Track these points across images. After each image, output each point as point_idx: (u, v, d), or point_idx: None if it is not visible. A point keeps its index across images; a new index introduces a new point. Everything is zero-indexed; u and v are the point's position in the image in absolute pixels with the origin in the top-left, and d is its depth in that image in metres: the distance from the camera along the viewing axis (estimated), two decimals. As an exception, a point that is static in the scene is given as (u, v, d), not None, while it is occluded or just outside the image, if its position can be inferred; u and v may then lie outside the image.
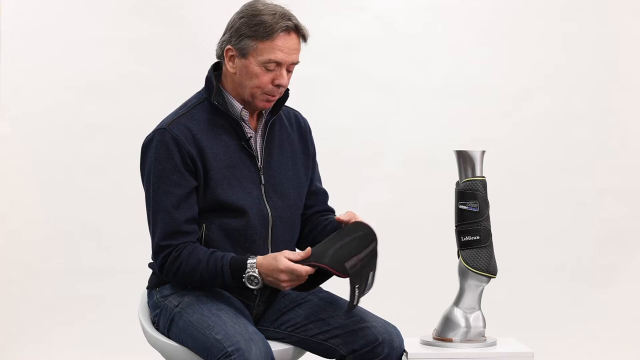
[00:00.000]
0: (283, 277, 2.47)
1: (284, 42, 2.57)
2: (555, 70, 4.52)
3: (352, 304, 2.51)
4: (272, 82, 2.58)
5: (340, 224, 2.66)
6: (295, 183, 2.74)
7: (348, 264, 2.47)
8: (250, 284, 2.51)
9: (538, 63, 4.51)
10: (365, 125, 4.48)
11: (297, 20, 2.60)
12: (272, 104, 2.65)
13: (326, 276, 2.58)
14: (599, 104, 4.53)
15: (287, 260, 2.47)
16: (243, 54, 2.58)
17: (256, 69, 2.57)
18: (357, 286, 2.49)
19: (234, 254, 2.56)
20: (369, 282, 2.56)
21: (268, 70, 2.57)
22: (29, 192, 4.38)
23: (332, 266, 2.46)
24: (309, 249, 2.51)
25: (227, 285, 2.56)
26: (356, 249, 2.53)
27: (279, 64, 2.57)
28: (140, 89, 4.39)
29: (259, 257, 2.52)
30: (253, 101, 2.62)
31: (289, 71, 2.62)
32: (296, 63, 2.62)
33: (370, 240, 2.58)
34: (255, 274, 2.50)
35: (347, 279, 2.49)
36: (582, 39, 4.51)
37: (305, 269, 2.46)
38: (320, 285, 2.68)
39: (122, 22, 4.39)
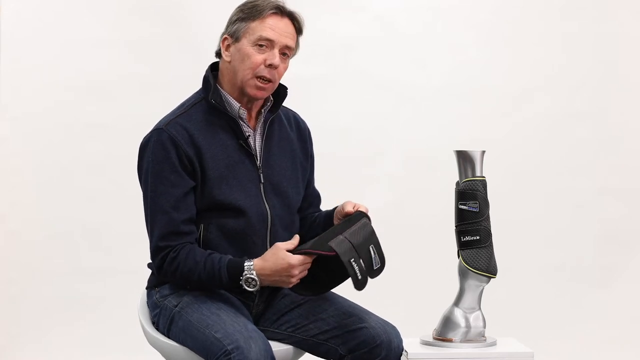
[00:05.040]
0: (295, 272, 2.47)
1: (275, 22, 2.60)
2: (555, 70, 4.52)
3: (357, 278, 2.47)
4: (264, 62, 2.59)
5: (327, 215, 2.70)
6: (294, 183, 2.74)
7: (333, 242, 2.47)
8: (248, 287, 2.52)
9: (538, 63, 4.51)
10: (365, 125, 4.48)
11: (292, 10, 2.64)
12: (265, 92, 2.64)
13: (327, 286, 2.58)
14: (599, 104, 4.53)
15: (292, 256, 2.47)
16: (236, 37, 2.61)
17: (248, 49, 2.59)
18: (351, 260, 2.47)
19: (231, 257, 2.55)
20: (374, 256, 2.53)
21: (260, 48, 2.59)
22: (29, 192, 4.38)
23: (316, 248, 2.46)
24: (296, 235, 2.53)
25: (225, 287, 2.56)
26: (340, 228, 2.53)
27: (270, 42, 2.59)
28: (140, 89, 4.39)
29: (256, 260, 2.52)
30: (246, 88, 2.61)
31: (284, 54, 2.62)
32: (290, 49, 2.63)
33: (357, 219, 2.57)
34: (252, 276, 2.50)
35: (342, 262, 2.47)
36: (582, 39, 4.51)
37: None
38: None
39: (122, 22, 4.39)
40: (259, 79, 2.60)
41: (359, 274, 2.48)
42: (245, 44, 2.60)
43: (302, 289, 2.55)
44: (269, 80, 2.62)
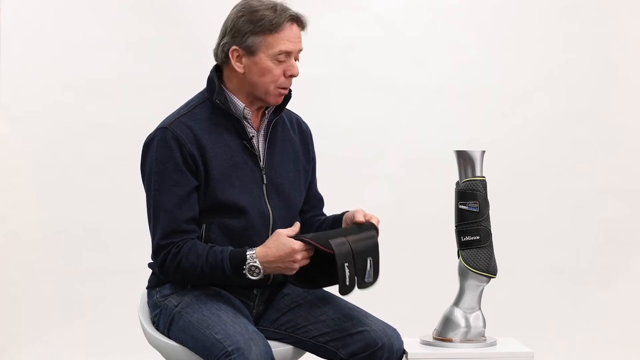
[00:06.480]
0: (298, 256, 2.47)
1: (289, 33, 2.60)
2: (555, 70, 4.52)
3: (345, 284, 2.47)
4: (284, 74, 2.60)
5: (335, 220, 2.70)
6: (296, 184, 2.74)
7: (333, 241, 2.47)
8: (252, 275, 2.51)
9: (538, 63, 4.51)
10: (365, 125, 4.48)
11: (299, 14, 2.64)
12: (283, 97, 2.66)
13: (325, 280, 2.58)
14: (599, 104, 4.53)
15: (295, 241, 2.47)
16: (251, 51, 2.59)
17: (268, 63, 2.59)
18: (346, 265, 2.46)
19: (232, 248, 2.55)
20: (368, 269, 2.53)
21: (279, 62, 2.59)
22: (29, 193, 4.38)
23: (316, 240, 2.46)
24: (297, 222, 2.54)
25: (228, 278, 2.55)
26: (346, 232, 2.53)
27: (288, 54, 2.60)
28: (140, 89, 4.39)
29: (258, 248, 2.51)
30: (266, 97, 2.63)
31: (296, 59, 2.64)
32: (301, 50, 2.65)
33: (366, 229, 2.57)
34: (256, 264, 2.50)
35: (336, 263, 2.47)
36: (582, 39, 4.51)
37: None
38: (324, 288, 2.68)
39: (122, 22, 4.39)
40: (279, 88, 2.62)
41: (347, 280, 2.47)
42: (264, 58, 2.59)
43: (295, 280, 2.55)
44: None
